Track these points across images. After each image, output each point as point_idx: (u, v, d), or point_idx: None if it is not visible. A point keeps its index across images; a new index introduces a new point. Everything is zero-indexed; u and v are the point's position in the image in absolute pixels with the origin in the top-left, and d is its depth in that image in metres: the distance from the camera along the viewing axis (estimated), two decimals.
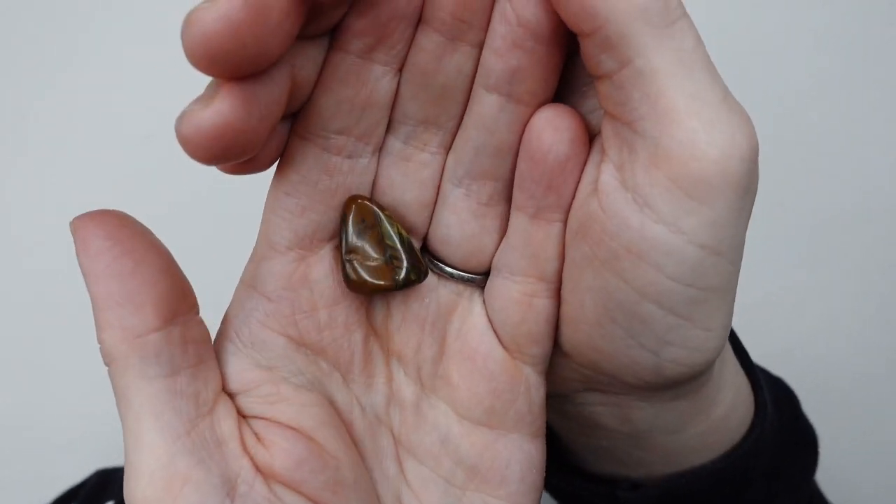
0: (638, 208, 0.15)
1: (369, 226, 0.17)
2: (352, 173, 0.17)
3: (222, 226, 0.40)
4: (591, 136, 0.17)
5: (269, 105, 0.14)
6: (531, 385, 0.19)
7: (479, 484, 0.18)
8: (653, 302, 0.16)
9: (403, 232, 0.18)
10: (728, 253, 0.15)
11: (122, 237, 0.15)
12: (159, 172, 0.41)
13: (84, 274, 0.15)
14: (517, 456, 0.19)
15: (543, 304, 0.18)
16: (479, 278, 0.19)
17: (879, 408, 0.42)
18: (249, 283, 0.17)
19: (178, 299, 0.15)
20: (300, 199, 0.17)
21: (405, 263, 0.18)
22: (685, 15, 0.15)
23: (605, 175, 0.16)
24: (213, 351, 0.16)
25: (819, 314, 0.41)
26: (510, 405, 0.18)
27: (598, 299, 0.17)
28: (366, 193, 0.18)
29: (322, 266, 0.17)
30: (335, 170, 0.17)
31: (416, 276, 0.18)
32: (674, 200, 0.15)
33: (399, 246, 0.18)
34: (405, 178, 0.18)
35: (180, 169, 0.41)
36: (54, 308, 0.39)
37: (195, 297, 0.16)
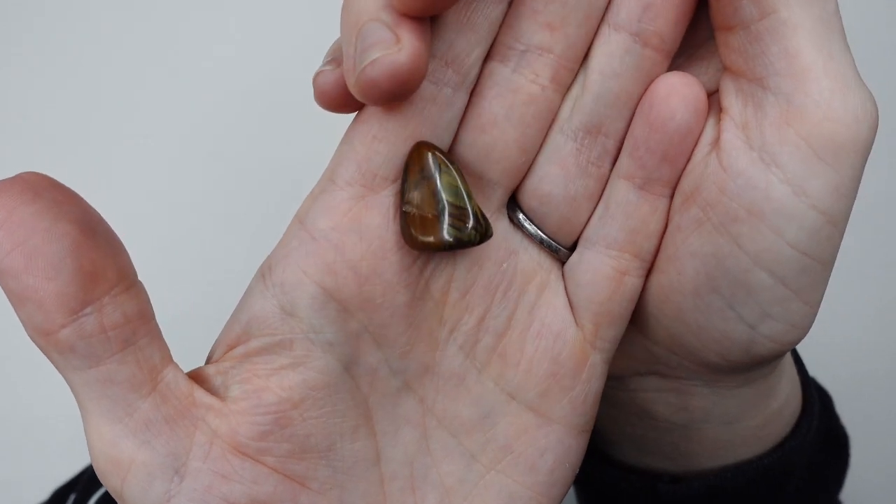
0: (765, 167, 0.15)
1: (426, 176, 0.16)
2: (433, 103, 0.16)
3: (221, 225, 0.40)
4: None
5: (430, 39, 0.15)
6: (594, 374, 0.18)
7: (507, 466, 0.18)
8: (765, 269, 0.16)
9: (465, 187, 0.16)
10: (840, 224, 0.15)
11: (15, 224, 0.13)
12: (158, 172, 0.41)
13: None
14: (555, 448, 0.18)
15: (632, 284, 0.17)
16: (565, 252, 0.18)
17: (880, 409, 0.42)
18: (300, 217, 0.16)
19: (88, 285, 0.14)
20: (371, 126, 0.16)
21: (457, 221, 0.16)
22: None
23: (728, 134, 0.16)
24: (149, 326, 0.15)
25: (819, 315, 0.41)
26: (566, 393, 0.18)
27: (701, 266, 0.16)
28: (448, 130, 0.16)
29: (379, 210, 0.16)
30: (414, 95, 0.16)
31: (471, 237, 0.16)
32: (803, 160, 0.15)
33: (454, 201, 0.16)
34: (509, 112, 0.16)
35: (179, 169, 0.42)
36: None
37: (121, 270, 0.15)
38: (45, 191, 0.14)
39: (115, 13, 0.42)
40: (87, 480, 0.28)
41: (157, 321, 0.16)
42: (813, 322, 0.17)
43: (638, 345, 0.19)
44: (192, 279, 0.39)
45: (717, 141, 0.16)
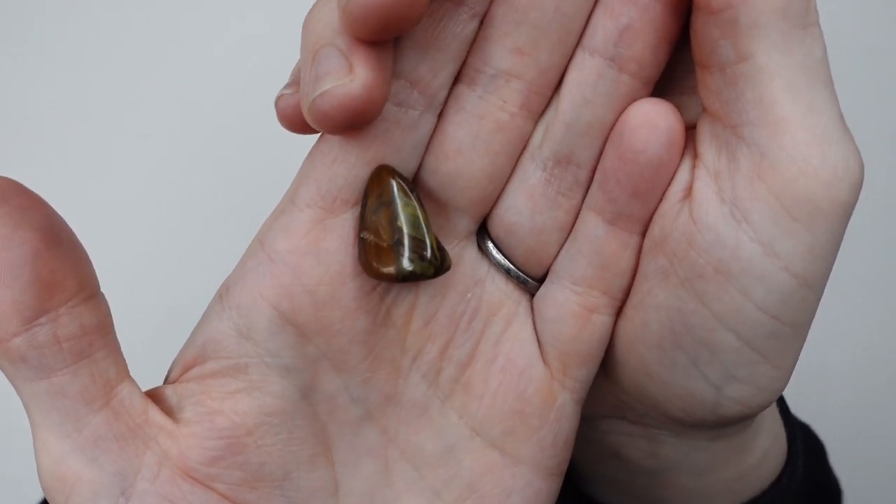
0: (735, 223, 0.14)
1: (384, 203, 0.15)
2: (397, 125, 0.15)
3: (220, 225, 0.41)
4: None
5: (391, 66, 0.14)
6: (563, 415, 0.17)
7: None
8: (731, 330, 0.15)
9: (424, 216, 0.15)
10: (816, 286, 0.14)
11: None
12: (157, 172, 0.41)
13: None
14: (523, 490, 0.17)
15: (602, 322, 0.17)
16: (534, 284, 0.17)
17: (880, 415, 0.42)
18: (260, 237, 0.16)
19: (45, 294, 0.13)
20: (332, 147, 0.15)
21: (412, 253, 0.15)
22: (818, 22, 0.14)
23: (700, 183, 0.15)
24: (107, 339, 0.15)
25: (818, 319, 0.41)
26: (533, 433, 0.17)
27: (666, 320, 0.15)
28: (413, 154, 0.16)
29: (338, 234, 0.15)
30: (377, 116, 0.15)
31: (425, 270, 0.15)
32: (775, 219, 0.14)
33: (411, 232, 0.15)
34: (475, 140, 0.15)
35: (178, 169, 0.42)
36: None
37: (82, 280, 0.14)
38: (10, 196, 0.14)
39: (113, 13, 0.42)
40: None
41: (142, 327, 0.15)
42: (784, 386, 0.16)
43: (605, 389, 0.18)
44: (187, 278, 0.39)
45: (690, 187, 0.15)
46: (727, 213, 0.14)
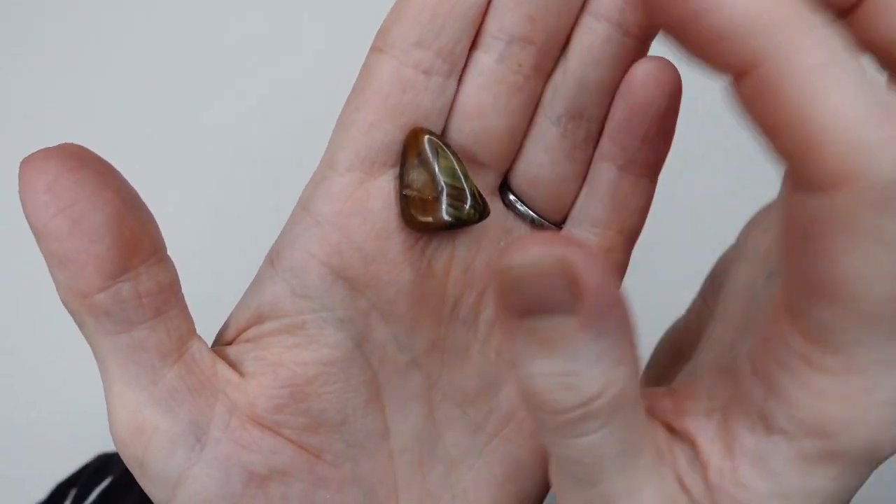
0: None
1: (424, 161, 0.16)
2: (425, 92, 0.16)
3: (222, 225, 0.41)
4: None
5: None
6: None
7: (510, 433, 0.18)
8: None
9: (461, 168, 0.17)
10: None
11: (61, 189, 0.14)
12: (157, 173, 0.41)
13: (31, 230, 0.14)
14: None
15: (617, 260, 0.18)
16: (556, 229, 0.18)
17: None
18: (303, 204, 0.17)
19: (127, 252, 0.14)
20: (367, 115, 0.16)
21: (456, 202, 0.17)
22: None
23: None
24: (177, 297, 0.16)
25: None
26: None
27: None
28: (440, 117, 0.17)
29: (380, 193, 0.17)
30: (408, 85, 0.16)
31: (469, 216, 0.17)
32: None
33: (451, 182, 0.17)
34: (496, 101, 0.17)
35: (178, 169, 0.42)
36: (54, 304, 0.39)
37: (155, 242, 0.15)
38: (89, 161, 0.15)
39: (113, 13, 0.42)
40: (87, 476, 0.28)
41: None
42: None
43: None
44: (185, 277, 0.39)
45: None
46: None
